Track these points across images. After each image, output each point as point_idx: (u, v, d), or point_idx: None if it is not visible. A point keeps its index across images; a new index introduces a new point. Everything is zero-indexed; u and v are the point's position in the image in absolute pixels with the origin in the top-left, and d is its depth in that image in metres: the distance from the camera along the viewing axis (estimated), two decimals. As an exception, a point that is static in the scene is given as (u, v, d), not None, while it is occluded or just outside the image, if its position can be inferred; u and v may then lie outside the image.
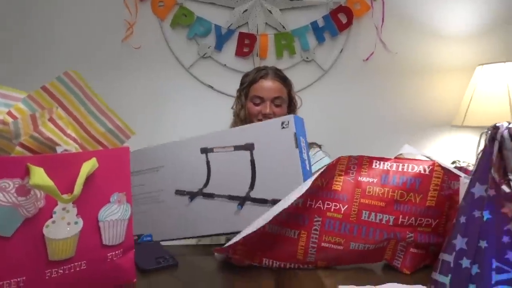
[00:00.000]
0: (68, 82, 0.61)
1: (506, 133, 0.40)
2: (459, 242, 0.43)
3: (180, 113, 1.91)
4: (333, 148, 1.32)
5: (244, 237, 0.74)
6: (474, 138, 1.92)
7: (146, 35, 1.87)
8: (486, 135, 0.43)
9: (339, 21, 1.93)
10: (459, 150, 1.90)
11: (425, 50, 1.97)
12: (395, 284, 0.68)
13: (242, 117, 1.36)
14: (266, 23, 1.91)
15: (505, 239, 0.41)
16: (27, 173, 0.55)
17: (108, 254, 0.66)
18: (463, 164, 1.49)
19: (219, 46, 1.89)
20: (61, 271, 0.61)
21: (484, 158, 0.43)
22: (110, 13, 1.85)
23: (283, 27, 1.90)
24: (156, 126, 1.89)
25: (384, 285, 0.67)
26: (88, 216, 0.63)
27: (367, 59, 1.95)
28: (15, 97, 0.61)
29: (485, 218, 0.42)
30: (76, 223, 0.61)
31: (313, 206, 0.75)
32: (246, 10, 1.90)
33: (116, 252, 0.67)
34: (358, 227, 0.73)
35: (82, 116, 0.63)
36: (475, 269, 0.42)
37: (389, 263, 0.76)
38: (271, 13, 1.90)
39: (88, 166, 0.60)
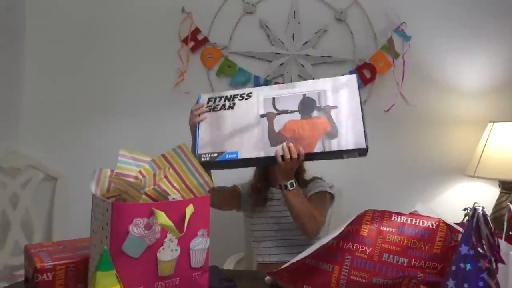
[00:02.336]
0: (179, 151, 0.87)
1: (480, 214, 0.63)
2: (451, 283, 0.65)
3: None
4: (355, 191, 1.54)
5: (288, 266, 0.96)
6: (484, 187, 2.10)
7: (194, 82, 2.16)
8: (470, 211, 0.66)
9: (363, 76, 2.18)
10: (471, 198, 2.08)
11: (441, 103, 2.18)
12: (407, 312, 0.89)
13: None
14: (299, 75, 2.18)
15: (480, 283, 0.63)
16: (151, 214, 0.80)
17: (193, 274, 0.90)
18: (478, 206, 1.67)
19: (257, 94, 2.17)
20: (164, 284, 0.85)
21: (468, 228, 0.65)
22: (165, 63, 2.16)
23: (314, 79, 2.16)
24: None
25: (399, 312, 0.88)
26: (184, 245, 0.87)
27: (388, 110, 2.17)
28: (142, 160, 0.87)
29: (467, 268, 0.64)
30: (176, 250, 0.85)
31: (344, 247, 0.97)
32: (282, 64, 2.17)
33: (198, 273, 0.91)
34: (380, 266, 0.95)
35: (184, 174, 0.88)
36: (460, 302, 0.63)
37: (403, 296, 0.97)
38: (303, 67, 2.17)
39: (189, 210, 0.84)
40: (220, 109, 1.27)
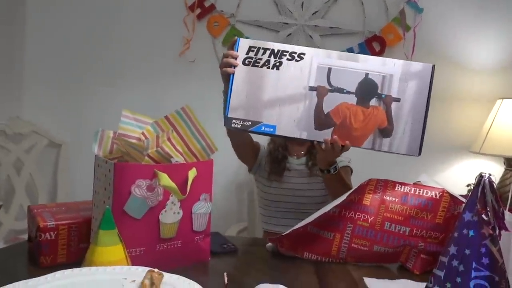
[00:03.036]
0: (182, 113, 0.86)
1: (487, 180, 0.62)
2: (452, 249, 0.65)
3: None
4: (359, 164, 1.52)
5: (289, 233, 0.97)
6: (489, 164, 2.09)
7: (200, 50, 2.13)
8: (475, 180, 0.65)
9: (373, 48, 2.13)
10: (475, 175, 2.07)
11: (450, 79, 2.14)
12: (407, 280, 0.89)
13: None
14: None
15: (483, 249, 0.62)
16: (154, 176, 0.80)
17: (195, 238, 0.91)
18: (484, 173, 1.67)
19: (263, 64, 2.13)
20: (166, 246, 0.85)
21: (473, 194, 0.64)
22: (170, 31, 2.12)
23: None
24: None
25: (398, 280, 0.89)
26: (186, 209, 0.87)
27: (396, 84, 2.14)
28: (145, 121, 0.86)
29: (470, 235, 0.63)
30: (178, 213, 0.86)
31: (347, 215, 0.97)
32: (289, 34, 2.12)
33: (200, 236, 0.92)
34: (381, 234, 0.95)
35: (188, 137, 0.88)
36: (461, 268, 0.63)
37: (403, 265, 0.97)
38: (312, 38, 2.12)
39: (192, 173, 0.84)
40: (263, 65, 1.04)
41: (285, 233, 0.98)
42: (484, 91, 2.11)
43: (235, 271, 0.91)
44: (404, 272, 0.95)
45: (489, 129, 1.87)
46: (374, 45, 2.12)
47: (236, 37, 1.08)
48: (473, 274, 0.63)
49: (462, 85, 2.14)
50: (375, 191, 0.99)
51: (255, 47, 1.06)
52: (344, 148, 1.04)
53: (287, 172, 1.45)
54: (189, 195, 0.86)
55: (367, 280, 0.86)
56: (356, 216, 0.97)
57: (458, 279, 0.64)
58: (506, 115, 1.82)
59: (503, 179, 1.87)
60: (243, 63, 1.04)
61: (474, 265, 0.63)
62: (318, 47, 2.08)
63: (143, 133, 0.84)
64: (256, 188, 1.62)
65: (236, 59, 1.03)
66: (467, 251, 0.64)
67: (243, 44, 1.05)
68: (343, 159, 1.44)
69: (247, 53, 1.05)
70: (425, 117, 1.04)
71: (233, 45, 1.06)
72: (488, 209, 0.63)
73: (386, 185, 0.99)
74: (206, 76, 2.12)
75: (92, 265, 0.67)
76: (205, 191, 0.91)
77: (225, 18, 2.12)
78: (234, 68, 1.03)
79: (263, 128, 1.03)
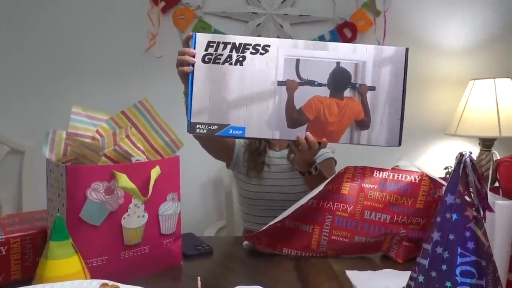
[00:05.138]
0: (140, 107, 0.79)
1: (468, 159, 0.57)
2: (435, 235, 0.61)
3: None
4: (345, 152, 1.48)
5: (266, 229, 0.91)
6: (465, 145, 2.10)
7: (167, 45, 2.04)
8: (455, 160, 0.60)
9: (344, 35, 2.09)
10: (452, 156, 2.08)
11: (423, 63, 2.13)
12: (390, 270, 0.85)
13: None
14: (277, 36, 2.07)
15: (467, 233, 0.58)
16: (112, 177, 0.73)
17: (164, 241, 0.84)
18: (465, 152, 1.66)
19: (233, 57, 2.06)
20: (132, 253, 0.78)
21: (454, 176, 0.60)
22: (135, 25, 2.02)
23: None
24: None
25: (381, 270, 0.85)
26: (152, 211, 0.80)
27: (369, 70, 2.12)
28: (99, 118, 0.78)
29: (453, 219, 0.59)
30: (143, 216, 0.79)
31: (325, 206, 0.93)
32: (259, 24, 2.06)
33: (170, 239, 0.85)
34: (361, 224, 0.91)
35: (148, 133, 0.80)
36: (446, 254, 0.59)
37: (386, 254, 0.94)
38: (282, 27, 2.07)
39: (155, 172, 0.77)
40: (225, 62, 0.95)
41: (262, 230, 0.92)
42: (457, 73, 2.12)
43: (209, 274, 0.85)
44: (387, 262, 0.91)
45: (463, 111, 1.87)
46: (345, 31, 2.09)
47: (191, 32, 0.99)
48: (459, 260, 0.58)
49: (435, 68, 2.14)
50: (353, 179, 0.95)
51: (214, 42, 0.96)
52: (321, 145, 0.98)
53: (267, 167, 1.38)
54: (154, 196, 0.79)
55: (349, 273, 0.81)
56: (335, 206, 0.93)
57: (444, 267, 0.59)
58: (479, 96, 1.83)
59: (479, 159, 1.87)
60: (203, 60, 0.94)
61: (459, 250, 0.59)
62: (291, 37, 2.03)
63: (97, 131, 0.77)
64: (235, 184, 1.55)
65: (194, 56, 0.95)
66: (451, 236, 0.60)
67: (201, 40, 0.95)
68: (327, 150, 1.38)
69: (206, 50, 0.95)
70: (403, 104, 0.99)
71: (188, 41, 0.97)
72: (471, 190, 0.59)
73: (364, 172, 0.95)
74: (175, 72, 2.03)
75: (43, 281, 0.60)
76: (172, 190, 0.84)
77: (191, 11, 2.04)
78: (192, 66, 0.95)
79: (231, 131, 0.95)
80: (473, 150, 1.99)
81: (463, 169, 0.59)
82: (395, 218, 0.90)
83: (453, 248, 0.59)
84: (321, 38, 2.08)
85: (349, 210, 0.92)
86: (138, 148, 0.78)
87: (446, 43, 2.13)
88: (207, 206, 2.07)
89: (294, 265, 0.89)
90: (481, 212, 0.59)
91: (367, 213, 0.91)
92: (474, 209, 0.59)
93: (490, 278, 0.58)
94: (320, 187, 0.92)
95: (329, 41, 2.08)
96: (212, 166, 1.97)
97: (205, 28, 2.04)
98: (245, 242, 0.97)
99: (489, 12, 2.12)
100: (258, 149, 1.39)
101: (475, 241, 0.58)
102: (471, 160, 0.58)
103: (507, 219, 0.68)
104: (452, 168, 0.62)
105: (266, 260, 0.91)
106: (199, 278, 0.78)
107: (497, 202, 0.69)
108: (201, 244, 0.99)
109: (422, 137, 2.13)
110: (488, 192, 0.69)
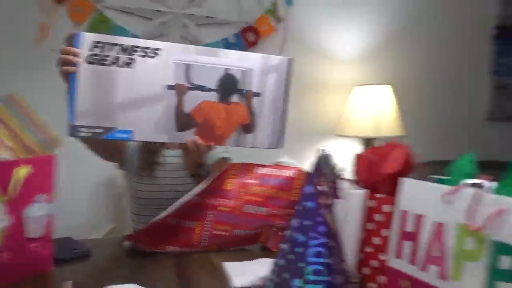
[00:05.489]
0: (10, 102, 0.72)
1: (323, 154, 0.65)
2: (294, 222, 0.67)
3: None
4: (235, 150, 1.53)
5: (148, 228, 0.91)
6: (351, 144, 2.32)
7: (62, 39, 1.88)
8: (317, 154, 0.68)
9: (247, 39, 2.16)
10: (340, 155, 2.27)
11: (316, 69, 2.30)
12: (266, 259, 0.90)
13: None
14: (181, 36, 2.06)
15: (318, 218, 0.66)
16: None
17: (32, 245, 0.78)
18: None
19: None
20: (-8, 259, 0.71)
21: (313, 169, 0.67)
22: (23, 14, 1.83)
23: (197, 41, 2.06)
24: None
25: (257, 259, 0.90)
26: (16, 213, 0.74)
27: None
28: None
29: (309, 206, 0.66)
30: (3, 219, 0.72)
31: (207, 203, 0.95)
32: (163, 23, 2.02)
33: (39, 243, 0.79)
34: (241, 218, 0.95)
35: (20, 130, 0.75)
36: (301, 238, 0.65)
37: (264, 245, 0.99)
38: (187, 27, 2.05)
39: (20, 171, 0.72)
40: (112, 64, 0.92)
41: (142, 228, 0.91)
42: (344, 80, 2.33)
43: (85, 277, 0.82)
44: (266, 252, 0.98)
45: (348, 114, 2.08)
46: (249, 35, 2.16)
47: (75, 32, 0.93)
48: (311, 242, 0.65)
49: (328, 74, 2.32)
50: (237, 175, 0.99)
51: (100, 43, 0.92)
52: (209, 148, 1.01)
53: (160, 166, 1.36)
54: (20, 197, 0.74)
55: (225, 264, 0.85)
56: (217, 202, 0.96)
57: (299, 249, 0.66)
58: (360, 100, 2.05)
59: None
60: (88, 61, 0.90)
61: (311, 234, 0.65)
62: (195, 38, 2.03)
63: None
64: (125, 184, 1.50)
65: (77, 56, 0.90)
66: (306, 222, 0.66)
67: (86, 40, 0.90)
68: (221, 150, 1.41)
69: (91, 50, 0.91)
70: (284, 110, 1.06)
71: (71, 40, 0.91)
72: (326, 181, 0.66)
73: (248, 168, 1.00)
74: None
75: None
76: (43, 191, 0.79)
77: (89, 3, 1.92)
78: (76, 67, 0.90)
79: (118, 134, 0.93)
80: (358, 148, 2.20)
81: (320, 162, 0.66)
82: (273, 211, 0.97)
83: (307, 232, 0.65)
84: (226, 40, 2.12)
85: (230, 205, 0.95)
86: (6, 146, 0.72)
87: (336, 51, 2.33)
88: (97, 208, 1.96)
89: (175, 262, 0.90)
90: (331, 200, 0.67)
91: (247, 207, 0.96)
92: (326, 197, 0.67)
93: (337, 257, 0.66)
94: (204, 184, 0.94)
95: (233, 44, 2.13)
96: (105, 166, 1.88)
97: (104, 22, 1.94)
98: (125, 242, 0.95)
99: (373, 26, 2.38)
100: (152, 148, 1.36)
101: (325, 225, 0.65)
102: (326, 154, 0.66)
103: (358, 205, 0.78)
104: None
105: (147, 259, 0.91)
106: (71, 282, 0.74)
107: (350, 191, 0.78)
108: (79, 247, 0.94)
109: (314, 137, 2.30)
110: (348, 182, 0.79)
